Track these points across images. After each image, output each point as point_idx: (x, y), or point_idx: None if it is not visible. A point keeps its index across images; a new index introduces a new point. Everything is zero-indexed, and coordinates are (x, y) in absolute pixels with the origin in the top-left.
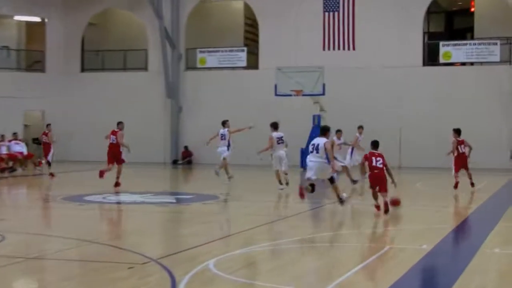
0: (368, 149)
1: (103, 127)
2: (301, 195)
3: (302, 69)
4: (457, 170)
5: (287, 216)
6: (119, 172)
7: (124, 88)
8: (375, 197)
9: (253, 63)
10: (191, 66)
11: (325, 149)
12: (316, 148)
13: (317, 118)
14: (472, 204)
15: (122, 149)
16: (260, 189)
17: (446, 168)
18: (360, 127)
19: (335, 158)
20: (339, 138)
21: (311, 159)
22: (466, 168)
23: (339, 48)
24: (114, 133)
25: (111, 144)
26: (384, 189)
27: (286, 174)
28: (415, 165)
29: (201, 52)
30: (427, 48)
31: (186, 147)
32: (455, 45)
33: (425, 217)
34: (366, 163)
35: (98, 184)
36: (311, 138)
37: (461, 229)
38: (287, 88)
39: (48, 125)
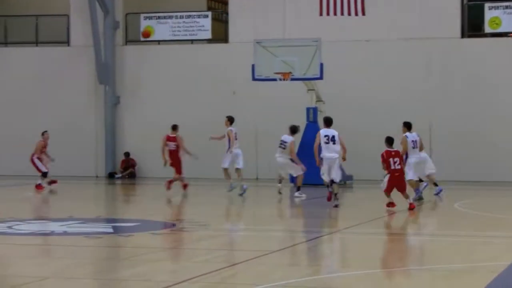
0: None
1: (3, 127)
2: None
3: (291, 42)
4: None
5: (270, 250)
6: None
7: (35, 71)
8: (388, 194)
9: (220, 34)
10: (132, 39)
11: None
12: (332, 139)
13: (312, 112)
14: None
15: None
16: (236, 211)
17: (490, 181)
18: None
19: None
20: None
21: (329, 153)
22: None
23: (342, 14)
24: (171, 139)
25: (172, 151)
26: (404, 189)
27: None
28: (448, 177)
29: (146, 18)
30: (466, 13)
31: (126, 154)
32: (507, 7)
33: (467, 251)
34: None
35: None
36: (306, 139)
37: None
38: (269, 69)
39: None
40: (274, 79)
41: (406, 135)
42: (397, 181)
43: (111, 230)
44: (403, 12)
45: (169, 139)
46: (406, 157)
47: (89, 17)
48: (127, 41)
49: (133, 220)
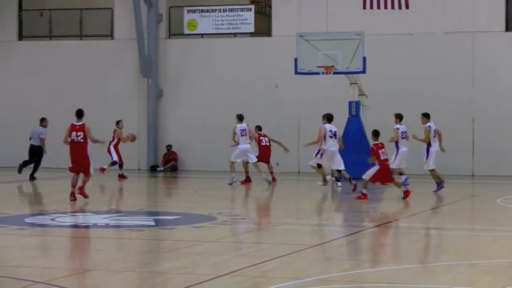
0: None
1: (48, 119)
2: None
3: (334, 36)
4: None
5: (314, 244)
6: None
7: (79, 64)
8: (365, 185)
9: (263, 27)
10: (175, 32)
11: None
12: (335, 134)
13: (355, 106)
14: None
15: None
16: (278, 205)
17: None
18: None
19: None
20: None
21: (332, 147)
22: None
23: (385, 7)
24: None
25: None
26: (392, 178)
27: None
28: (491, 171)
29: (190, 12)
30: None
31: (169, 148)
32: None
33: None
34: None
35: (45, 199)
36: (348, 133)
37: None
38: (312, 63)
39: None
40: (317, 73)
41: (397, 127)
42: (385, 172)
43: (153, 223)
44: (448, 4)
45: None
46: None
47: (132, 10)
48: (170, 34)
49: (174, 213)
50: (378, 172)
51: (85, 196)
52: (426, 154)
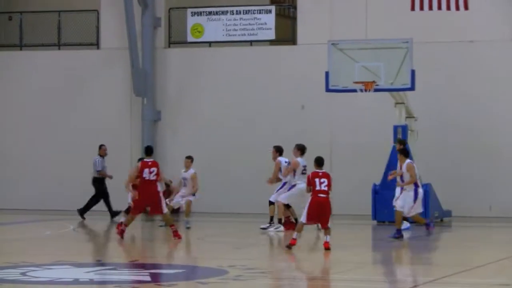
0: None
1: (25, 145)
2: None
3: (375, 44)
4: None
5: None
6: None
7: (57, 79)
8: (300, 229)
9: (287, 34)
10: (176, 40)
11: None
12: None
13: (401, 131)
14: None
15: None
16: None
17: None
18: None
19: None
20: None
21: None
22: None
23: (439, 8)
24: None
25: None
26: (326, 223)
27: None
28: None
29: (194, 14)
30: None
31: (168, 183)
32: None
33: None
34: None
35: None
36: (391, 163)
37: None
38: (348, 77)
39: None
40: (354, 90)
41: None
42: (320, 207)
43: (148, 279)
44: None
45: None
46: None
47: (123, 13)
48: (170, 42)
49: (175, 266)
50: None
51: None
52: (414, 196)
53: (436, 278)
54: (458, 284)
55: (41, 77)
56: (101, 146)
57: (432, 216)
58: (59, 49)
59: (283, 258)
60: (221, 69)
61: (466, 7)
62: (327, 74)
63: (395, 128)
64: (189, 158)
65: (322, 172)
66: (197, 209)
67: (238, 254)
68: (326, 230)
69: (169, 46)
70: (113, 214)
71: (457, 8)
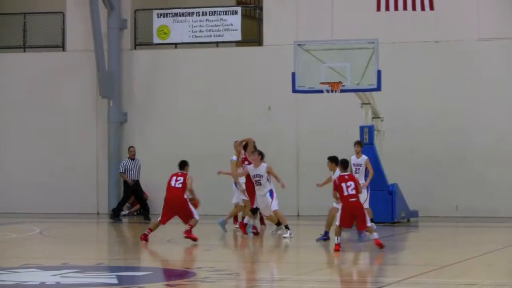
0: None
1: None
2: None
3: (342, 44)
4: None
5: None
6: None
7: (22, 81)
8: (338, 232)
9: (253, 35)
10: (143, 42)
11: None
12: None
13: (367, 132)
14: None
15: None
16: (271, 256)
17: None
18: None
19: None
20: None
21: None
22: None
23: (405, 8)
24: None
25: None
26: (363, 226)
27: None
28: None
29: (160, 16)
30: None
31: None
32: None
33: None
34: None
35: None
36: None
37: None
38: (314, 78)
39: None
40: (320, 91)
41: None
42: (353, 210)
43: (115, 281)
44: (484, 6)
45: None
46: None
47: (89, 15)
48: (136, 44)
49: (143, 268)
50: (343, 210)
51: (195, 239)
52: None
53: (403, 278)
54: (425, 284)
55: (7, 80)
56: (128, 149)
57: (399, 216)
58: (24, 51)
59: (251, 259)
60: (187, 71)
61: (431, 8)
62: (293, 75)
63: (362, 128)
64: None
65: (348, 175)
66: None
67: (207, 256)
68: (369, 229)
69: (135, 48)
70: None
71: (423, 8)
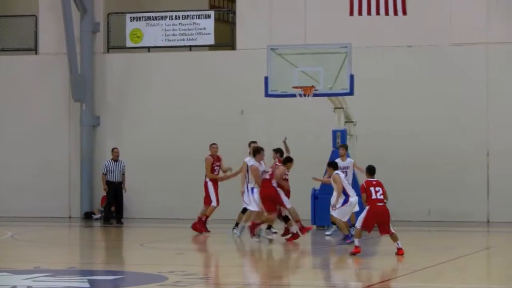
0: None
1: None
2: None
3: (315, 49)
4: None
5: None
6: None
7: None
8: (359, 235)
9: (226, 39)
10: (116, 45)
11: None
12: None
13: (340, 136)
14: None
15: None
16: (248, 261)
17: None
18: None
19: None
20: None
21: None
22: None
23: (377, 13)
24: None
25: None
26: (387, 230)
27: None
28: (511, 218)
29: (133, 19)
30: None
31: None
32: None
33: None
34: (364, 195)
35: None
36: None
37: None
38: (287, 82)
39: None
40: (293, 95)
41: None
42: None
43: (87, 285)
44: (456, 11)
45: None
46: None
47: (61, 18)
48: (109, 47)
49: (114, 272)
50: (369, 212)
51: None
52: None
53: (375, 282)
54: None
55: None
56: (112, 150)
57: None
58: None
59: (223, 263)
60: (160, 74)
61: (404, 13)
62: (266, 79)
63: (334, 132)
64: None
65: (376, 181)
66: (139, 215)
67: (179, 260)
68: (392, 236)
69: (108, 51)
70: (106, 217)
71: (396, 13)
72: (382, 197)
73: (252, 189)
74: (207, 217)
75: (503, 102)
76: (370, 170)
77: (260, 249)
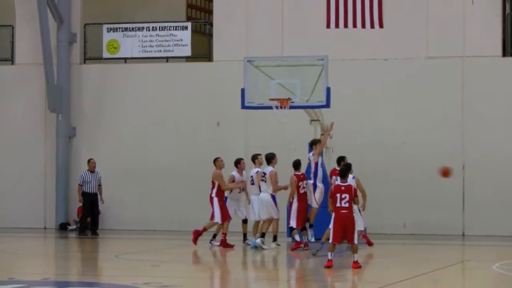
0: None
1: None
2: None
3: (291, 61)
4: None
5: None
6: None
7: None
8: (332, 249)
9: (203, 50)
10: (92, 56)
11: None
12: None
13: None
14: None
15: None
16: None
17: None
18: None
19: None
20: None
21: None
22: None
23: (354, 26)
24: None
25: None
26: (350, 236)
27: None
28: (486, 231)
29: (110, 30)
30: (510, 30)
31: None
32: None
33: None
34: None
35: None
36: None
37: None
38: (263, 94)
39: None
40: (270, 107)
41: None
42: (343, 222)
43: None
44: (433, 25)
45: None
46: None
47: (38, 28)
48: (86, 58)
49: (89, 284)
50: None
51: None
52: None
53: None
54: None
55: None
56: (88, 161)
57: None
58: None
59: (200, 275)
60: (137, 86)
61: (381, 25)
62: (243, 91)
63: (310, 145)
64: None
65: (345, 186)
66: (115, 226)
67: (155, 271)
68: (353, 247)
69: (84, 62)
70: (82, 228)
71: (372, 26)
72: (347, 204)
73: (226, 198)
74: (205, 229)
75: (479, 115)
76: (341, 172)
77: (238, 260)
